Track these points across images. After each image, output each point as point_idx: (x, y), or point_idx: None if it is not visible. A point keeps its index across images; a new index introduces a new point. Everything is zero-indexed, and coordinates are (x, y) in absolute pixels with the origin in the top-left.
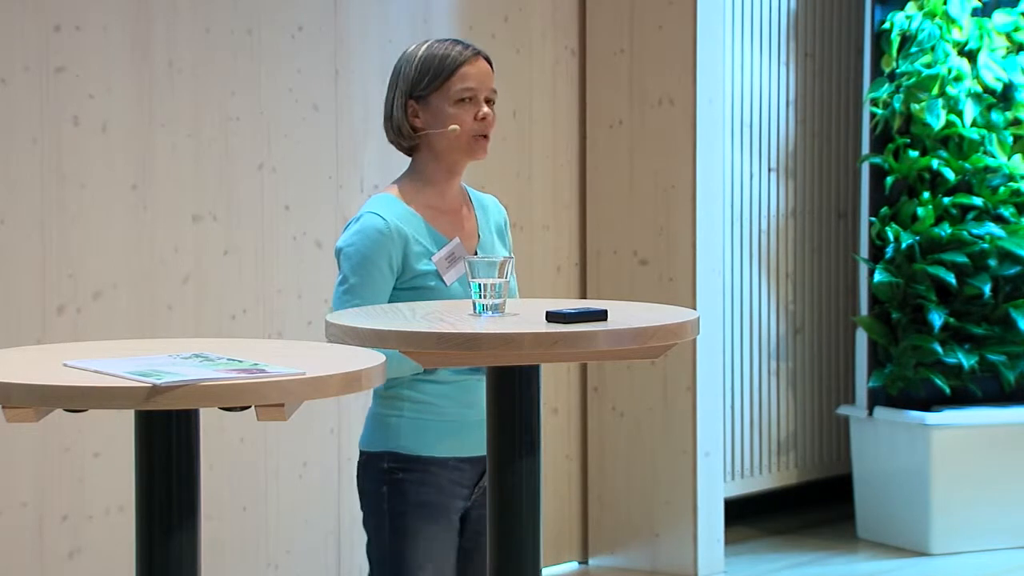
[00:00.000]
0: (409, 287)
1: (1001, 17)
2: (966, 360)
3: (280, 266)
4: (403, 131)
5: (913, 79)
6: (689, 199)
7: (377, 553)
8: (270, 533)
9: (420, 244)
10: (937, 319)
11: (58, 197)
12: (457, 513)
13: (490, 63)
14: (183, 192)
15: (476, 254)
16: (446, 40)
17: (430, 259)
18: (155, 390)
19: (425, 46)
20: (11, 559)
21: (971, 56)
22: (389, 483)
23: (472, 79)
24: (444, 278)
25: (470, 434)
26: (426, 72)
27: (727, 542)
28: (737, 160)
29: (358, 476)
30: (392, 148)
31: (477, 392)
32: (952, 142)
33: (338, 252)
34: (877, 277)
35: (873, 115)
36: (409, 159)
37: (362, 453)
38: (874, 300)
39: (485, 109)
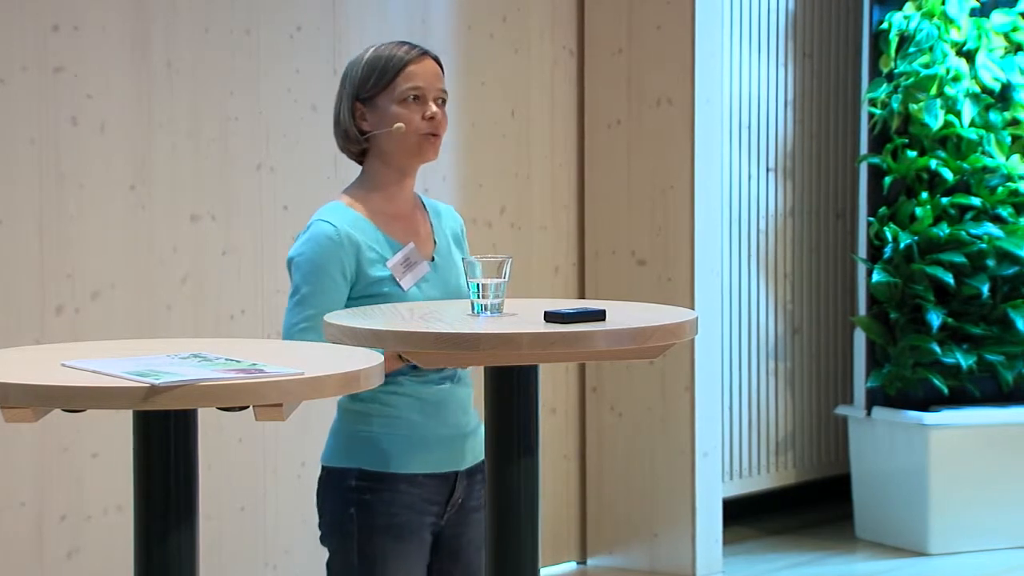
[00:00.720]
0: (365, 294)
1: (999, 17)
2: (964, 360)
3: (279, 266)
4: (350, 135)
5: (911, 79)
6: (687, 199)
7: (344, 574)
8: (268, 533)
9: (373, 250)
10: (935, 319)
11: (57, 197)
12: (428, 531)
13: (440, 64)
14: (182, 192)
15: (434, 260)
16: (393, 42)
17: (384, 265)
18: (153, 390)
19: (372, 49)
20: (10, 559)
21: (969, 56)
22: (357, 504)
23: (419, 78)
24: (401, 283)
25: (441, 449)
26: (371, 73)
27: (725, 542)
28: (735, 160)
29: (319, 493)
30: None
31: (450, 404)
32: (950, 142)
33: (289, 263)
34: (875, 277)
35: (871, 115)
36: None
37: (324, 469)
38: (872, 300)
39: (433, 108)
